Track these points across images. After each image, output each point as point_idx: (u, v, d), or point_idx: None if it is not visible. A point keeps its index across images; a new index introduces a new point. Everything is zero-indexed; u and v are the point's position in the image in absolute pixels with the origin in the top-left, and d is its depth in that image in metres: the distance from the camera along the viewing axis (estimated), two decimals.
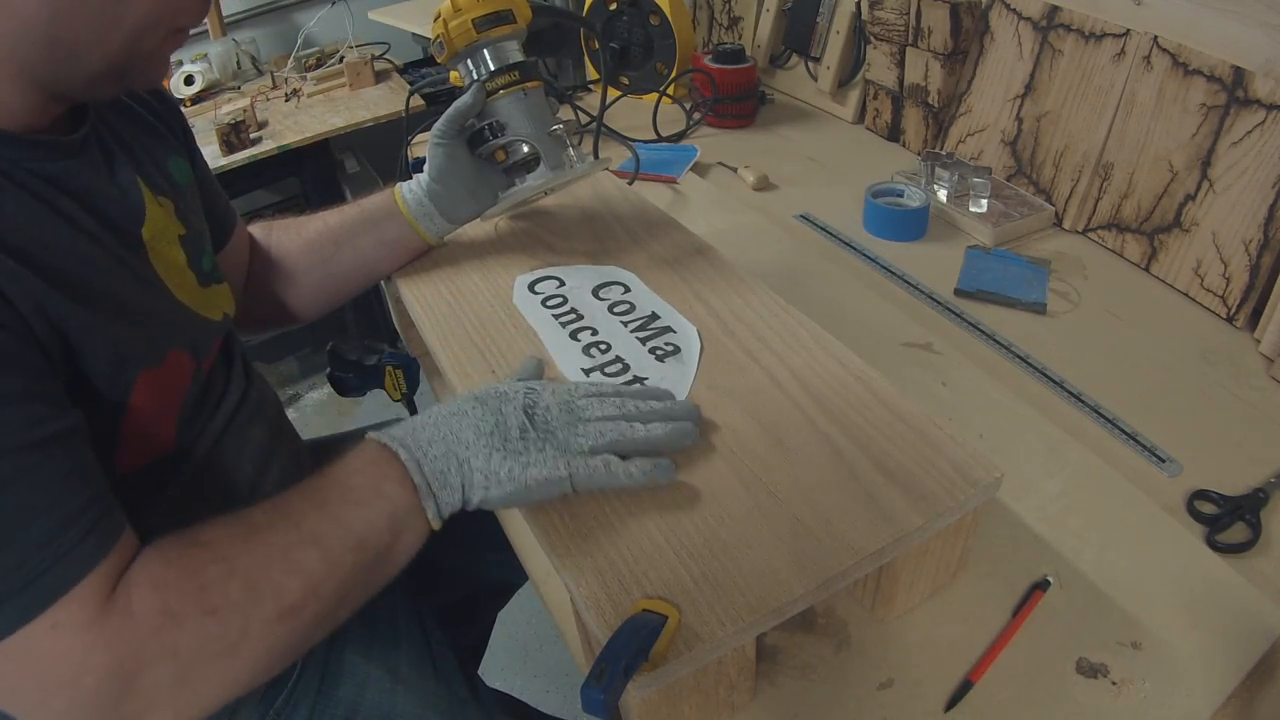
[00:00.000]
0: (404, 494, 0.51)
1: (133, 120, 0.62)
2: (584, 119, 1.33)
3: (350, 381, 0.91)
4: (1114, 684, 0.54)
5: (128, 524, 0.45)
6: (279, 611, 0.46)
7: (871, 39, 1.26)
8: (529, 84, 0.75)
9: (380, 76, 1.73)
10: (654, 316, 0.71)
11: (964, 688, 0.54)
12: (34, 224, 0.47)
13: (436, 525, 0.52)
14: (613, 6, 1.38)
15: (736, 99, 1.37)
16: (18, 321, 0.44)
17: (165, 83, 1.64)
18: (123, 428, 0.53)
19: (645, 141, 1.32)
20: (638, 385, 0.63)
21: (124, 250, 0.54)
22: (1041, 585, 0.60)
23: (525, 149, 0.76)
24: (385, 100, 1.62)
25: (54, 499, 0.42)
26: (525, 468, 0.52)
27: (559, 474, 0.52)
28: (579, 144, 0.79)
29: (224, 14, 1.77)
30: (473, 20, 0.72)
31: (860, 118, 1.37)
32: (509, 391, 0.55)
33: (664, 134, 1.34)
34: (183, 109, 1.60)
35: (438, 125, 0.76)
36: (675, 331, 0.69)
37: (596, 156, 1.14)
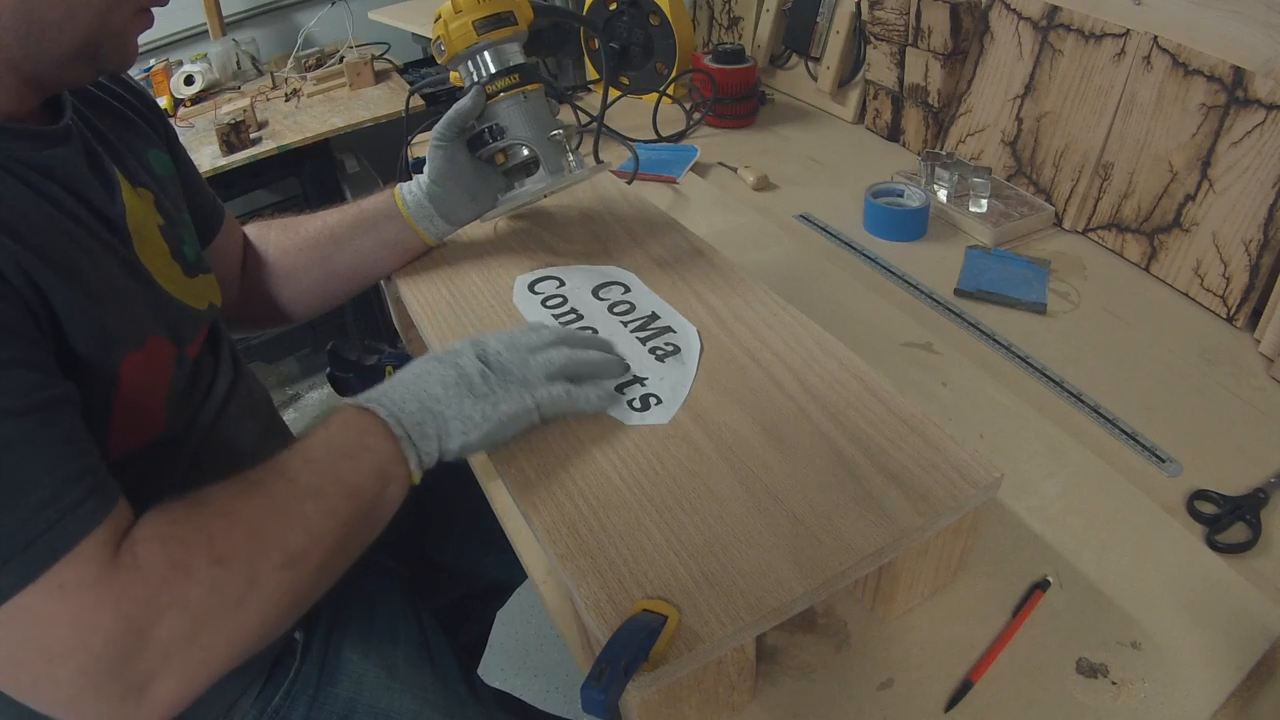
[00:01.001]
0: (388, 445, 0.54)
1: (110, 113, 0.63)
2: (584, 119, 1.33)
3: (350, 381, 0.91)
4: (1114, 684, 0.54)
5: (122, 494, 0.45)
6: (284, 559, 0.47)
7: (871, 39, 1.26)
8: (529, 87, 0.75)
9: (380, 76, 1.73)
10: (654, 316, 0.71)
11: (964, 688, 0.54)
12: (22, 204, 0.47)
13: (417, 477, 0.55)
14: (613, 6, 1.38)
15: (736, 99, 1.37)
16: (10, 292, 0.44)
17: (166, 82, 1.64)
18: (113, 410, 0.53)
19: (645, 142, 1.32)
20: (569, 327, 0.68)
21: (110, 235, 0.54)
22: (1041, 585, 0.60)
23: (525, 152, 0.76)
24: (385, 100, 1.62)
25: (53, 462, 0.42)
26: (495, 405, 0.56)
27: (526, 405, 0.57)
28: (579, 145, 0.78)
29: (224, 14, 1.77)
30: (473, 22, 0.72)
31: (860, 118, 1.38)
32: (458, 347, 0.60)
33: (664, 134, 1.34)
34: (183, 109, 1.62)
35: (438, 127, 0.76)
36: (675, 331, 0.69)
37: (597, 157, 1.14)
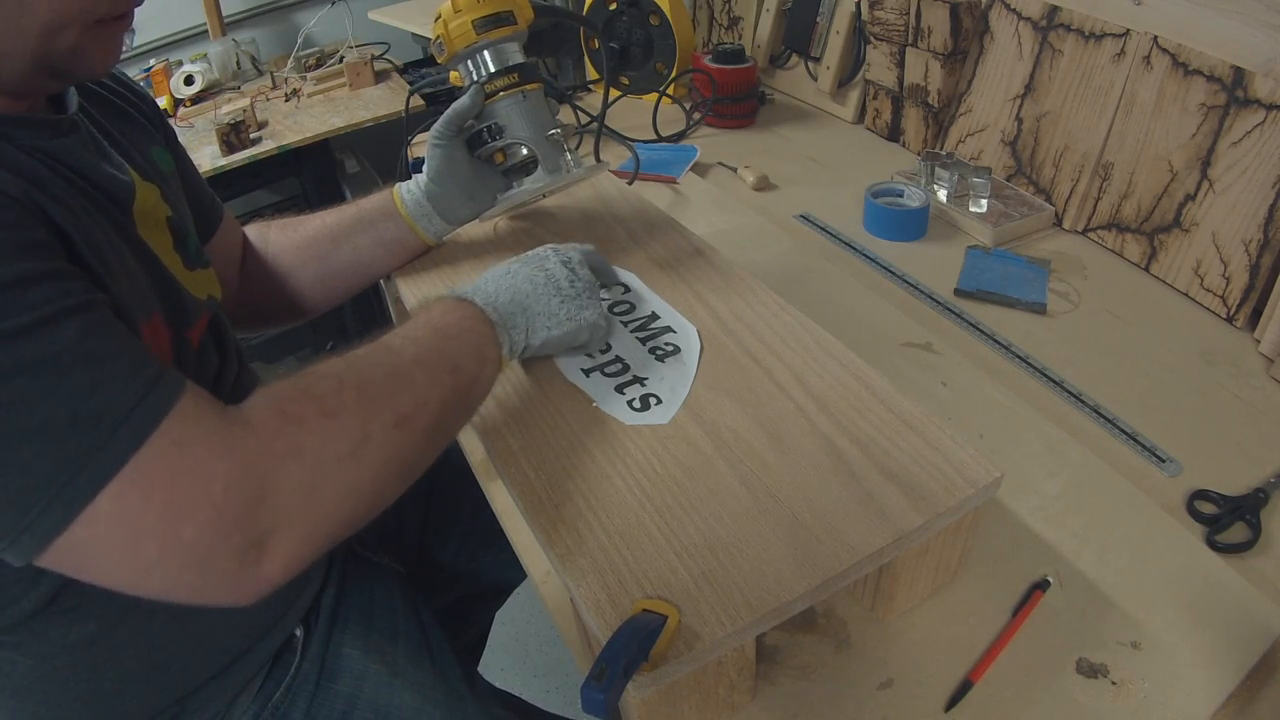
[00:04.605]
0: (485, 329, 0.58)
1: (114, 110, 0.63)
2: (584, 119, 1.33)
3: None
4: (1114, 684, 0.54)
5: None
6: (395, 419, 0.49)
7: (871, 39, 1.26)
8: (528, 86, 0.75)
9: (380, 76, 1.73)
10: (654, 317, 0.71)
11: (964, 687, 0.54)
12: (38, 176, 0.47)
13: (506, 364, 0.60)
14: (613, 6, 1.38)
15: (736, 99, 1.37)
16: (42, 228, 0.44)
17: (166, 82, 1.64)
18: None
19: (645, 142, 1.32)
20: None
21: (119, 215, 0.54)
22: (1041, 585, 0.60)
23: (524, 151, 0.76)
24: (385, 100, 1.62)
25: (126, 344, 0.43)
26: (580, 310, 0.63)
27: (598, 316, 0.64)
28: (579, 145, 0.79)
29: (224, 14, 1.77)
30: (473, 21, 0.72)
31: (860, 118, 1.38)
32: (540, 253, 0.65)
33: (664, 134, 1.34)
34: (183, 109, 1.62)
35: (436, 126, 0.76)
36: (675, 332, 0.69)
37: (597, 157, 1.14)
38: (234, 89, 1.72)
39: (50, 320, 0.40)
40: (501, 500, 0.74)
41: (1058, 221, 1.06)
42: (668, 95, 1.40)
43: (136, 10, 0.52)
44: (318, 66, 1.77)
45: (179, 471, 0.41)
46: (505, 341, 0.59)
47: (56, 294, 0.41)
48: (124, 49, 0.53)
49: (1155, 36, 0.92)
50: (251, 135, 1.49)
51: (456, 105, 0.74)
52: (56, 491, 0.39)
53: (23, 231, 0.42)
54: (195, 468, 0.41)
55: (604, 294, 0.75)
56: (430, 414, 0.51)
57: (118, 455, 0.40)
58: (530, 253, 0.66)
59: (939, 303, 0.93)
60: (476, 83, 0.75)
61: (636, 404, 0.61)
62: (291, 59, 1.79)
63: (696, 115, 1.39)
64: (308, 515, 0.44)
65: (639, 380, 0.64)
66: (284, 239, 0.79)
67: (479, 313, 0.59)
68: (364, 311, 1.87)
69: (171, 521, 0.40)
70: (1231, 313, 0.87)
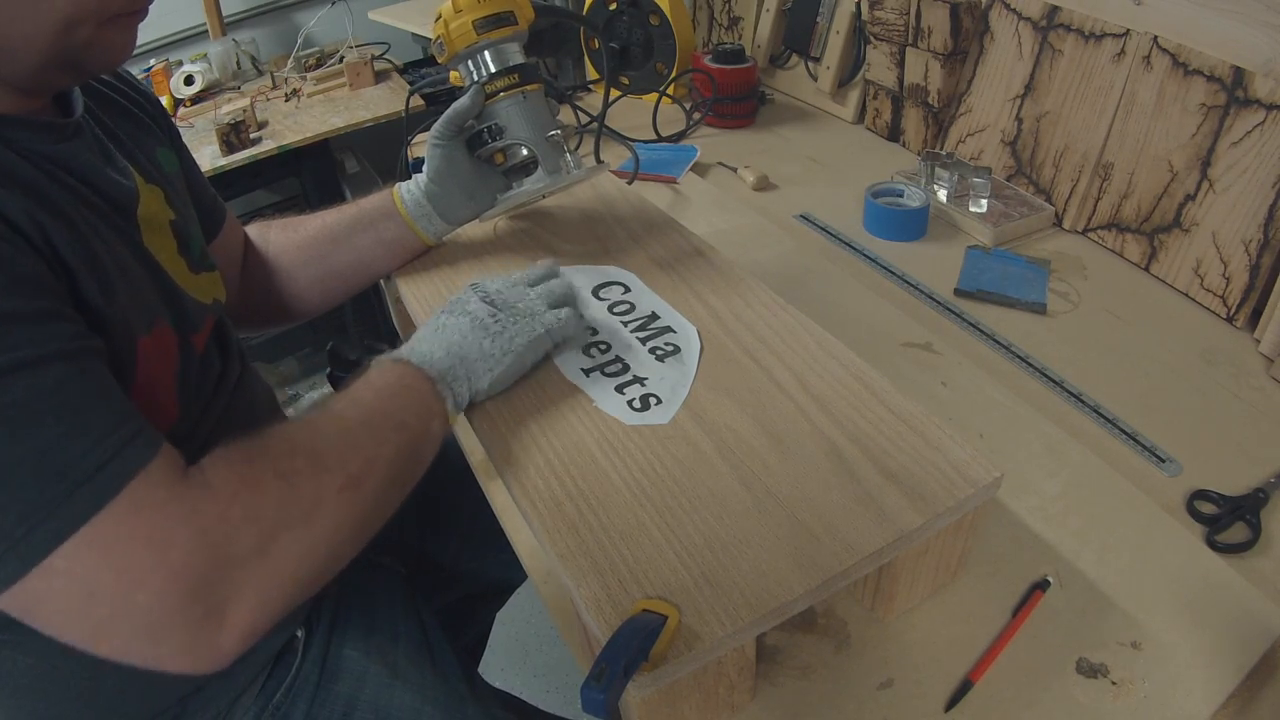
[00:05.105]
0: (426, 386, 0.58)
1: (120, 111, 0.63)
2: (584, 119, 1.33)
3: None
4: (1114, 684, 0.54)
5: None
6: (345, 481, 0.49)
7: (871, 39, 1.26)
8: (528, 86, 0.75)
9: (380, 76, 1.73)
10: (654, 316, 0.71)
11: (964, 687, 0.54)
12: (40, 187, 0.47)
13: (454, 418, 0.60)
14: (613, 6, 1.38)
15: (736, 99, 1.37)
16: (40, 258, 0.44)
17: (166, 82, 1.64)
18: (132, 395, 0.53)
19: (645, 142, 1.32)
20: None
21: (122, 222, 0.54)
22: (1041, 585, 0.60)
23: (524, 152, 0.76)
24: (385, 100, 1.62)
25: (105, 399, 0.43)
26: (511, 340, 0.61)
27: (538, 333, 0.63)
28: (579, 145, 0.79)
29: (224, 14, 1.77)
30: (473, 22, 0.72)
31: (860, 118, 1.38)
32: (460, 296, 0.65)
33: (664, 134, 1.34)
34: (183, 109, 1.61)
35: (436, 127, 0.76)
36: (675, 331, 0.69)
37: (598, 157, 1.14)
38: (234, 89, 1.72)
39: (30, 364, 0.40)
40: (501, 500, 0.74)
41: (1058, 221, 1.06)
42: (668, 95, 1.40)
43: None
44: (318, 66, 1.77)
45: (138, 536, 0.40)
46: (448, 395, 0.59)
47: (42, 337, 0.41)
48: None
49: (1155, 36, 0.92)
50: (251, 135, 1.49)
51: (456, 105, 0.74)
52: (11, 545, 0.39)
53: (15, 266, 0.42)
54: (154, 533, 0.41)
55: (603, 293, 0.75)
56: (379, 473, 0.52)
57: (78, 514, 0.39)
58: (453, 299, 0.65)
59: (939, 303, 0.93)
60: (476, 83, 0.75)
61: (636, 404, 0.61)
62: (291, 59, 1.79)
63: (696, 115, 1.39)
64: (262, 581, 0.44)
65: (639, 380, 0.64)
66: (284, 239, 0.79)
67: (417, 371, 0.58)
68: (364, 311, 1.87)
69: (126, 586, 0.40)
70: (1231, 313, 0.87)
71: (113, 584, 0.40)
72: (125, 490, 0.41)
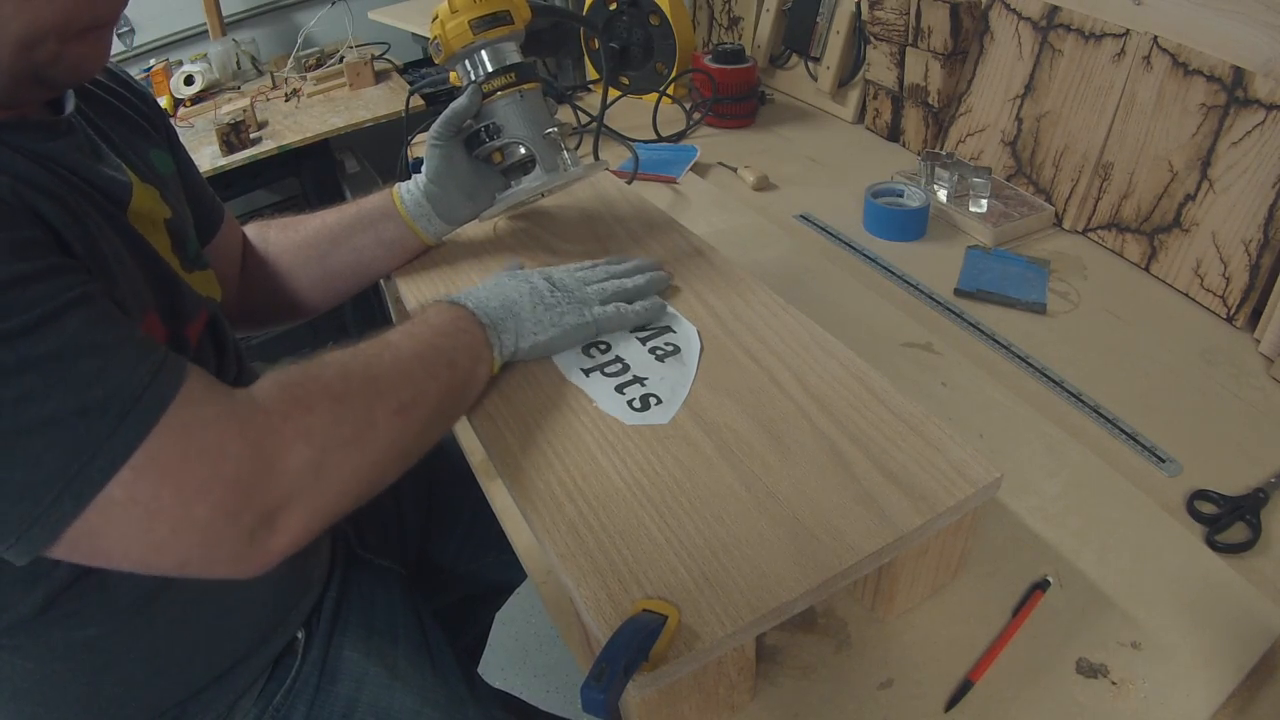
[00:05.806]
0: (478, 331, 0.61)
1: (112, 113, 0.62)
2: (584, 119, 1.33)
3: None
4: (1114, 684, 0.54)
5: None
6: (397, 406, 0.52)
7: (871, 39, 1.26)
8: (526, 85, 0.75)
9: (380, 76, 1.73)
10: None
11: (964, 687, 0.54)
12: (36, 178, 0.47)
13: (498, 365, 0.63)
14: (613, 6, 1.38)
15: (736, 99, 1.37)
16: (39, 229, 0.44)
17: (166, 82, 1.64)
18: None
19: (645, 141, 1.32)
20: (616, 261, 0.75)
21: (115, 212, 0.54)
22: (1041, 585, 0.60)
23: (522, 151, 0.76)
24: (385, 100, 1.62)
25: (128, 331, 0.44)
26: (562, 316, 0.65)
27: (586, 320, 0.66)
28: (579, 145, 0.78)
29: (224, 14, 1.77)
30: (469, 21, 0.72)
31: (860, 118, 1.38)
32: (525, 272, 0.69)
33: (664, 134, 1.34)
34: (183, 109, 1.62)
35: (434, 127, 0.76)
36: (675, 331, 0.69)
37: (597, 157, 1.14)
38: (234, 89, 1.72)
39: (52, 315, 0.41)
40: (501, 500, 0.74)
41: (1058, 221, 1.06)
42: (668, 95, 1.40)
43: (138, 10, 0.51)
44: (318, 66, 1.77)
45: (190, 453, 0.42)
46: (496, 344, 0.62)
47: (56, 289, 0.42)
48: (124, 48, 0.52)
49: (1155, 36, 0.92)
50: (251, 135, 1.49)
51: (454, 105, 0.74)
52: (66, 483, 0.40)
53: (16, 231, 0.42)
54: (206, 449, 0.42)
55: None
56: (428, 405, 0.54)
57: (128, 442, 0.41)
58: (516, 271, 0.69)
59: (939, 303, 0.93)
60: (474, 83, 0.74)
61: (636, 404, 0.61)
62: (291, 59, 1.79)
63: (696, 115, 1.39)
64: (314, 494, 0.46)
65: (639, 380, 0.64)
66: (284, 239, 0.79)
67: (472, 315, 0.62)
68: (364, 311, 1.87)
69: (185, 502, 0.42)
70: (1231, 313, 0.87)
71: (171, 502, 0.41)
72: (170, 410, 0.42)
